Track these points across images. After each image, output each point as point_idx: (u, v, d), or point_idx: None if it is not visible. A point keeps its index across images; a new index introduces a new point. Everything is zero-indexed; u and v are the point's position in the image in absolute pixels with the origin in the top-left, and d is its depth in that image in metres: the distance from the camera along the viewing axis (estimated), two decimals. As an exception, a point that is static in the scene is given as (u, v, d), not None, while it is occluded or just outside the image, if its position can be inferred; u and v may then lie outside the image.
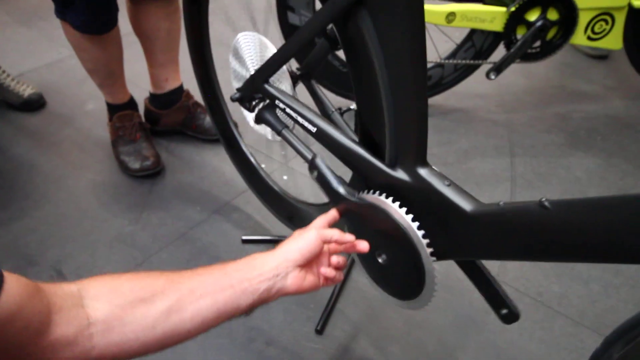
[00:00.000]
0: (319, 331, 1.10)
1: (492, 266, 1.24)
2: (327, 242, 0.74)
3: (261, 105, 0.96)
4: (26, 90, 1.77)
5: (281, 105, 0.89)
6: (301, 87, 1.03)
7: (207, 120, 1.61)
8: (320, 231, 0.74)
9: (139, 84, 1.73)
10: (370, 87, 0.75)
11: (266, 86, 0.91)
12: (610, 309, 1.15)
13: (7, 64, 1.82)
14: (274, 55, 0.87)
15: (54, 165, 1.54)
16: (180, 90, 1.61)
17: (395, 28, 0.66)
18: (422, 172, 0.72)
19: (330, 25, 0.86)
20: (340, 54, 1.54)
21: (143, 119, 1.62)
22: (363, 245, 0.75)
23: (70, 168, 1.53)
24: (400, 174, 0.73)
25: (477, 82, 1.82)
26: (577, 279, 1.22)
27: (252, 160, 1.32)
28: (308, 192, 1.45)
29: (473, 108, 1.82)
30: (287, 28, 1.58)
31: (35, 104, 1.77)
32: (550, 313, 1.14)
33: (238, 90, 0.99)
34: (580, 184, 1.50)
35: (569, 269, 1.24)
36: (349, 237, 0.75)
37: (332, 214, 0.80)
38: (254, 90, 0.95)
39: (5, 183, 1.47)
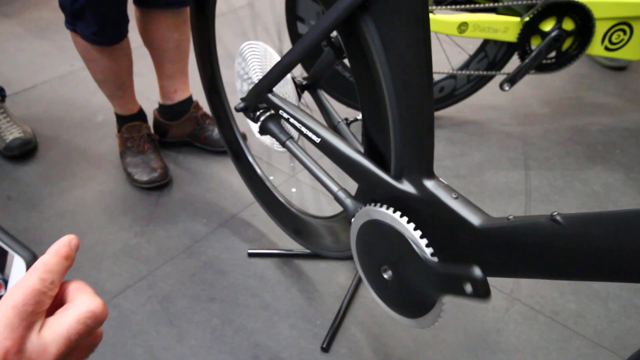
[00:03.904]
0: (325, 349, 1.07)
1: (505, 283, 1.20)
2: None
3: (265, 115, 0.94)
4: (13, 134, 1.59)
5: (285, 116, 0.87)
6: (309, 97, 1.01)
7: (216, 131, 1.60)
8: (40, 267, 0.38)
9: (148, 95, 1.73)
10: (375, 97, 0.72)
11: (270, 96, 0.89)
12: (630, 330, 1.10)
13: (20, 76, 1.84)
14: (277, 63, 0.85)
15: (61, 177, 1.53)
16: (189, 102, 1.60)
17: (400, 35, 0.64)
18: (429, 184, 0.69)
19: (336, 34, 0.84)
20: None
21: (152, 130, 1.61)
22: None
23: (78, 179, 1.53)
24: (406, 186, 0.70)
25: (490, 93, 1.78)
26: (594, 297, 1.17)
27: (259, 172, 1.30)
28: (316, 204, 1.42)
29: (487, 120, 1.79)
30: (297, 39, 1.57)
31: (15, 150, 1.57)
32: (567, 333, 1.09)
33: (242, 100, 0.97)
34: (598, 198, 1.45)
35: (585, 286, 1.19)
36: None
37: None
38: (258, 100, 0.93)
39: (14, 195, 1.47)
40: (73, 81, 2.00)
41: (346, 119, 0.98)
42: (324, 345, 1.07)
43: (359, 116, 0.87)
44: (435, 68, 1.58)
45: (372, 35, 0.66)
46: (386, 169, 0.73)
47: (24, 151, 1.59)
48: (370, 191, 0.76)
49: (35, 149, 1.63)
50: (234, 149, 1.33)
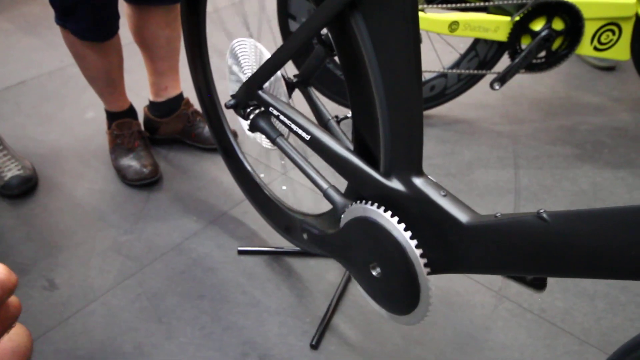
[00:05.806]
0: (314, 346, 1.07)
1: (494, 280, 1.21)
2: None
3: (255, 112, 0.94)
4: (11, 171, 1.46)
5: (275, 113, 0.87)
6: (299, 95, 1.01)
7: (207, 129, 1.59)
8: None
9: (139, 92, 1.72)
10: (364, 94, 0.73)
11: (260, 93, 0.89)
12: (617, 327, 1.11)
13: (9, 72, 1.82)
14: (268, 60, 0.85)
15: (51, 174, 1.52)
16: (179, 99, 1.60)
17: (390, 33, 0.64)
18: (418, 182, 0.69)
19: (326, 31, 0.84)
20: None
21: (142, 127, 1.60)
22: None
23: (67, 176, 1.52)
24: (395, 184, 0.71)
25: (481, 92, 1.79)
26: (582, 294, 1.18)
27: (250, 169, 1.30)
28: (306, 202, 1.43)
29: (477, 119, 1.80)
30: (288, 36, 1.56)
31: (15, 189, 1.44)
32: (554, 330, 1.10)
33: (233, 97, 0.97)
34: (586, 197, 1.46)
35: (573, 284, 1.20)
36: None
37: None
38: (249, 97, 0.93)
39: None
40: (63, 77, 1.99)
41: (336, 117, 0.98)
42: (313, 343, 1.07)
43: (349, 114, 0.88)
44: (426, 67, 1.60)
45: (362, 33, 0.66)
46: (375, 167, 0.74)
47: (23, 190, 1.45)
48: (360, 189, 0.76)
49: (36, 186, 1.49)
50: (224, 146, 1.32)
